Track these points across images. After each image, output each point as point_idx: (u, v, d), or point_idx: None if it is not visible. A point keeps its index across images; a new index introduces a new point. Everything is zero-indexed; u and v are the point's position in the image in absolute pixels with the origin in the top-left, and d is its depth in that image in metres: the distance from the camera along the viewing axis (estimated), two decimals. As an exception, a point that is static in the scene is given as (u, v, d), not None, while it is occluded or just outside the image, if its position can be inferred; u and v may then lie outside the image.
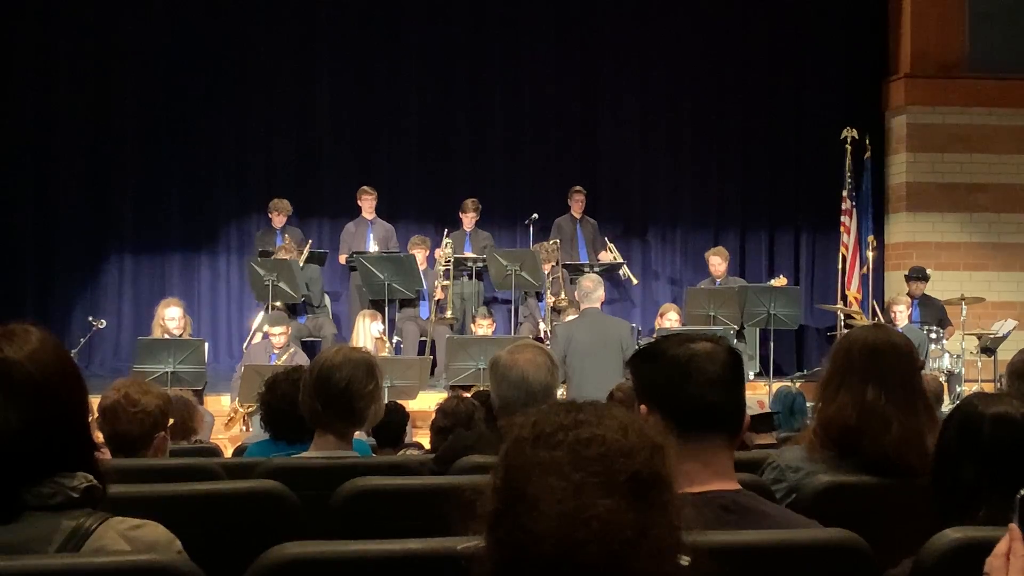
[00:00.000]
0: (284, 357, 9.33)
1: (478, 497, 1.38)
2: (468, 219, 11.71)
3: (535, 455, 1.35)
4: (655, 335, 10.21)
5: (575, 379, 8.24)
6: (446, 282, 11.05)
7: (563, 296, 11.01)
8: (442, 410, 5.28)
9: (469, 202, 11.73)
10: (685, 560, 1.37)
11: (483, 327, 10.47)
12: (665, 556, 1.31)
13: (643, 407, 2.26)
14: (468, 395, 6.63)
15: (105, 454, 3.51)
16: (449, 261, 11.14)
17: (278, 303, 10.44)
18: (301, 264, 10.85)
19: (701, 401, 2.23)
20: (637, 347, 9.08)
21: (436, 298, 11.04)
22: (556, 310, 10.93)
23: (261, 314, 10.47)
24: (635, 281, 12.12)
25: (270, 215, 11.61)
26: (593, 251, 12.03)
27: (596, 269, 11.28)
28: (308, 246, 11.34)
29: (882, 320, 10.88)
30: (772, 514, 2.28)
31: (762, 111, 13.07)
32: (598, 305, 8.76)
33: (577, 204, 12.00)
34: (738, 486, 2.29)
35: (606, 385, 6.91)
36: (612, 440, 1.34)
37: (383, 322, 10.16)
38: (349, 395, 3.58)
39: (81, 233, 12.16)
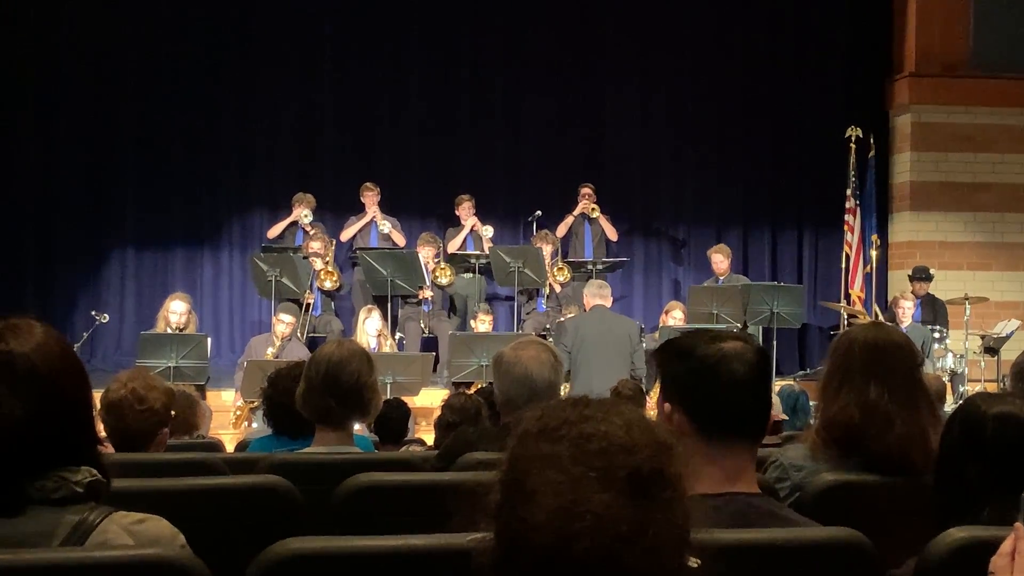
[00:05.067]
0: (276, 349, 9.32)
1: (481, 491, 1.38)
2: (466, 211, 11.70)
3: (538, 448, 1.35)
4: (658, 333, 10.21)
5: (583, 372, 8.35)
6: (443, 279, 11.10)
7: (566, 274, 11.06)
8: (449, 406, 5.18)
9: (464, 196, 11.76)
10: (695, 562, 1.37)
11: (484, 323, 10.46)
12: (665, 554, 1.31)
13: (667, 405, 2.24)
14: (470, 392, 6.62)
15: (107, 448, 3.51)
16: (438, 255, 11.18)
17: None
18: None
19: (727, 406, 2.18)
20: (642, 341, 9.00)
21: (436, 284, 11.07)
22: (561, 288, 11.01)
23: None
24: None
25: (293, 207, 11.53)
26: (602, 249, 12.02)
27: (599, 267, 11.27)
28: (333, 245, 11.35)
29: (883, 319, 10.86)
30: (789, 519, 2.26)
31: (766, 109, 13.05)
32: (607, 303, 8.94)
33: (585, 200, 11.92)
34: (758, 490, 2.26)
35: (613, 378, 7.00)
36: (615, 436, 1.34)
37: (383, 318, 10.11)
38: (359, 388, 3.60)
39: (83, 227, 12.14)
